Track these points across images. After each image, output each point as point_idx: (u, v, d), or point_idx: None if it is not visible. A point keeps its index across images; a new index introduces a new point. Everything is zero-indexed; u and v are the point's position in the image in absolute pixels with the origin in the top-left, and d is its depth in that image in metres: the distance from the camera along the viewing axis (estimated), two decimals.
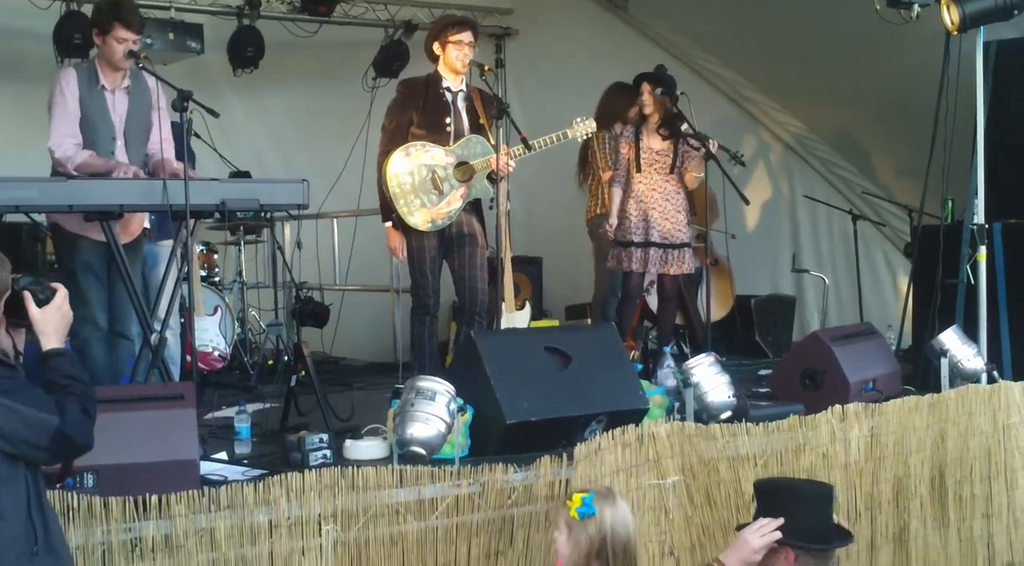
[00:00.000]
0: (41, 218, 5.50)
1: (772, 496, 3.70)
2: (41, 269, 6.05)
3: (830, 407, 5.11)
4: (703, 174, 6.68)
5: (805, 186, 9.08)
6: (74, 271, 5.14)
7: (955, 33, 6.26)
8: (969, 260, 6.37)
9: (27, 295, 2.97)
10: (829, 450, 5.05)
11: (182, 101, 4.90)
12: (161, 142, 5.24)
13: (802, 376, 5.75)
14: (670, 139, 6.65)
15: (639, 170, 6.65)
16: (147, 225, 5.44)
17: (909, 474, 5.34)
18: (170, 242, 5.50)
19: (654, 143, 6.68)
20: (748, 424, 4.88)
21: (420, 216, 5.79)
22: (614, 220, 6.71)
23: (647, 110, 6.67)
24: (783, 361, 6.28)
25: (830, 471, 5.04)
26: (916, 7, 6.29)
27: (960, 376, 5.90)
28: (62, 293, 3.03)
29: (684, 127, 6.54)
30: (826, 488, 3.93)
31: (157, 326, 5.01)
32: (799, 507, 3.62)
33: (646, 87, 6.68)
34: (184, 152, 5.05)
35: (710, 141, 6.50)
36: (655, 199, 6.62)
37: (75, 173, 5.06)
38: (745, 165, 6.84)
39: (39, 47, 7.73)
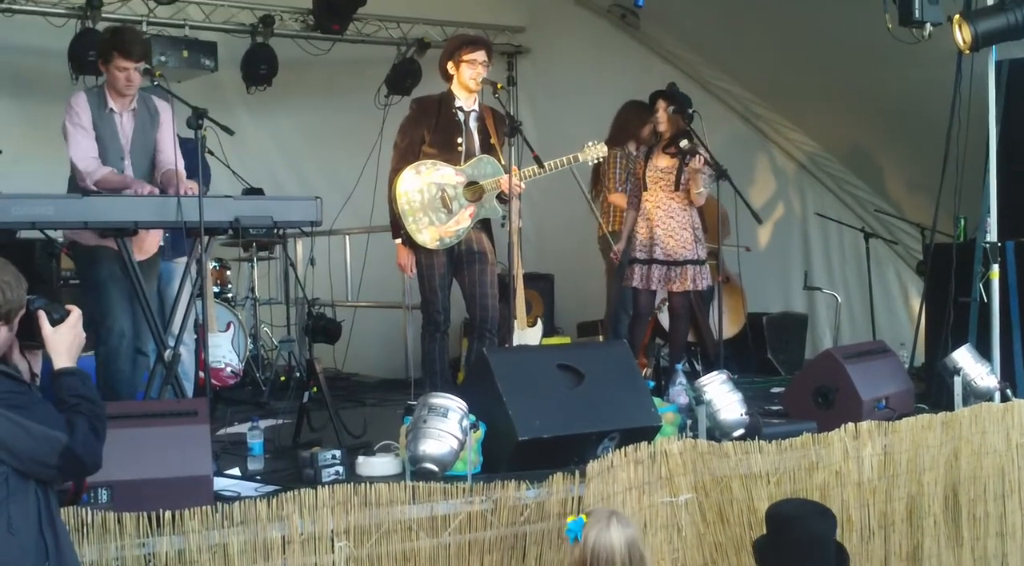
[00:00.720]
0: (56, 234, 5.54)
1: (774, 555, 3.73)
2: (55, 285, 6.07)
3: (843, 425, 5.10)
4: (705, 189, 6.65)
5: (817, 204, 9.08)
6: (98, 283, 5.18)
7: (967, 52, 6.27)
8: (982, 278, 6.37)
9: (41, 314, 3.00)
10: (842, 468, 5.03)
11: (197, 118, 4.94)
12: (177, 160, 5.29)
13: (814, 394, 5.75)
14: (676, 157, 6.68)
15: (645, 188, 6.68)
16: (161, 243, 5.47)
17: (923, 492, 5.32)
18: (184, 259, 5.53)
19: (660, 161, 6.72)
20: (761, 442, 4.87)
21: (428, 234, 5.81)
22: (623, 244, 6.72)
23: (661, 127, 6.69)
24: (795, 379, 6.27)
25: (843, 489, 5.03)
26: (928, 26, 6.29)
27: (973, 394, 5.89)
28: (76, 314, 3.06)
29: (683, 143, 6.55)
30: (824, 528, 3.84)
31: (172, 342, 5.03)
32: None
33: (661, 104, 6.70)
34: (199, 168, 5.07)
35: (698, 157, 6.50)
36: (659, 216, 6.65)
37: (93, 187, 5.10)
38: (727, 178, 6.80)
39: (55, 64, 7.79)
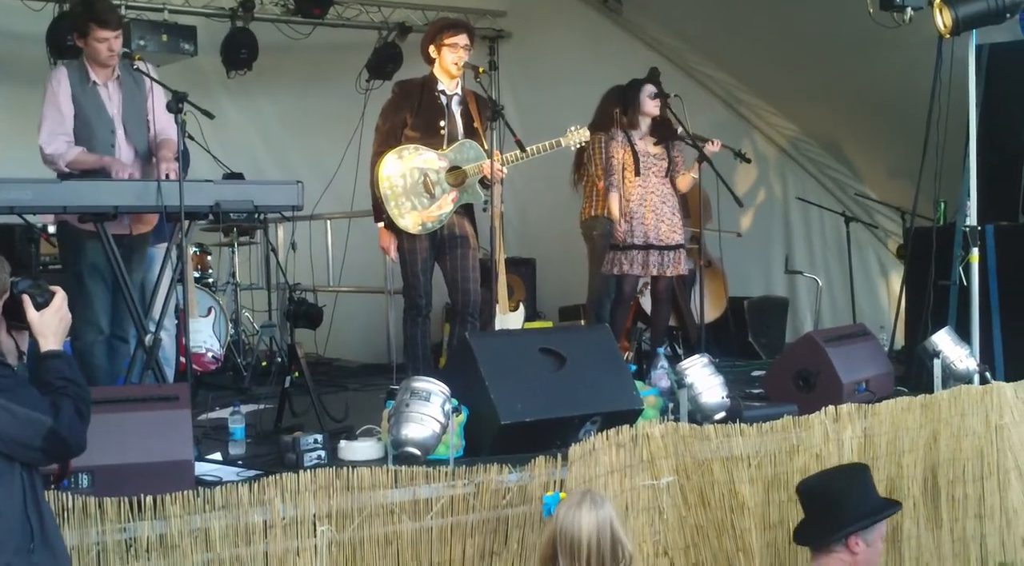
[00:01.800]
0: (36, 219, 5.50)
1: (815, 501, 4.04)
2: (34, 271, 6.04)
3: (823, 408, 5.13)
4: (696, 175, 6.70)
5: (798, 188, 9.11)
6: (80, 273, 5.13)
7: (948, 36, 6.28)
8: (962, 262, 6.39)
9: (26, 298, 3.00)
10: (823, 451, 5.06)
11: (177, 103, 4.90)
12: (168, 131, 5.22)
13: (795, 377, 5.77)
14: (661, 143, 6.70)
15: (638, 174, 6.67)
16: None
17: (902, 474, 5.36)
18: (165, 244, 5.49)
19: (650, 147, 6.73)
20: (742, 425, 4.89)
21: (410, 219, 5.80)
22: (623, 223, 6.71)
23: (655, 112, 6.72)
24: (776, 362, 6.30)
25: None
26: (909, 10, 6.30)
27: (953, 377, 5.92)
28: (60, 296, 3.06)
29: (680, 130, 6.58)
30: (860, 469, 4.26)
31: (152, 327, 5.00)
32: (846, 499, 3.93)
33: (650, 89, 6.72)
34: (180, 156, 5.04)
35: (711, 141, 6.58)
36: (654, 202, 6.66)
37: (66, 169, 5.05)
38: (751, 161, 6.86)
39: (32, 48, 7.72)
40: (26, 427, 2.84)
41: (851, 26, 6.95)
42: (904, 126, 7.30)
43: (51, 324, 3.02)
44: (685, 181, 6.77)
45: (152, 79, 5.21)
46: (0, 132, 7.36)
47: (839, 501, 3.98)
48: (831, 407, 5.14)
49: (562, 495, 3.56)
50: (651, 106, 6.74)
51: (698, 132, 6.76)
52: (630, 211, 6.66)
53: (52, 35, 7.63)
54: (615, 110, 6.95)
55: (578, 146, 6.22)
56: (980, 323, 6.32)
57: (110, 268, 5.03)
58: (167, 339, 5.83)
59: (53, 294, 3.05)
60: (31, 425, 2.84)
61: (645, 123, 6.77)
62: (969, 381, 5.95)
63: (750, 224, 9.02)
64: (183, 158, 5.04)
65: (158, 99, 5.29)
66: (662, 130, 6.76)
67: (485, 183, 5.87)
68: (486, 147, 5.85)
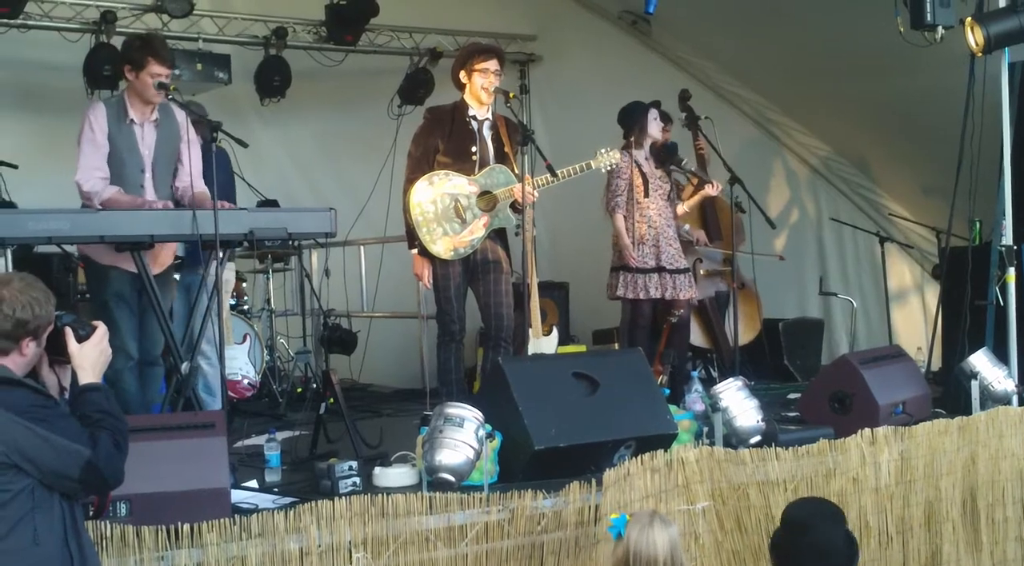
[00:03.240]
0: (72, 249, 5.56)
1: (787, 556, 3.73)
2: (72, 300, 6.11)
3: (860, 431, 5.09)
4: (688, 210, 6.93)
5: (831, 208, 9.06)
6: (106, 301, 5.19)
7: (979, 54, 6.25)
8: (998, 281, 6.34)
9: (68, 331, 3.08)
10: (859, 474, 5.02)
11: (212, 132, 4.96)
12: (195, 174, 5.30)
13: (831, 399, 5.74)
14: (661, 167, 6.80)
15: (647, 195, 6.70)
16: (180, 255, 5.47)
17: (940, 497, 5.31)
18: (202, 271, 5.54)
19: (655, 169, 6.78)
20: (777, 449, 4.86)
21: (442, 244, 5.82)
22: (630, 245, 6.71)
23: (658, 136, 6.77)
24: (812, 385, 6.26)
25: (860, 495, 5.01)
26: (940, 29, 6.28)
27: (991, 398, 5.86)
28: (102, 330, 3.14)
29: (684, 162, 6.69)
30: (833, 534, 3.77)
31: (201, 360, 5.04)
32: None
33: (654, 113, 6.79)
34: (212, 179, 5.08)
35: (712, 184, 6.67)
36: (661, 225, 6.72)
37: (100, 207, 5.10)
38: (745, 211, 6.91)
39: (69, 79, 7.83)
40: (64, 458, 2.89)
41: (882, 45, 6.92)
42: (937, 145, 7.26)
43: (91, 357, 3.10)
44: (680, 209, 6.96)
45: (186, 109, 5.26)
46: (37, 161, 7.43)
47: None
48: (867, 430, 5.10)
49: (628, 516, 3.58)
50: (655, 129, 6.78)
51: (728, 153, 6.76)
52: (644, 232, 6.68)
53: (89, 66, 7.74)
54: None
55: (608, 168, 6.23)
56: (1018, 343, 6.25)
57: (135, 296, 5.11)
58: (210, 368, 5.86)
59: (94, 328, 3.13)
60: (69, 456, 2.89)
61: (646, 144, 6.81)
62: (1007, 402, 5.88)
63: (783, 245, 8.97)
64: (228, 189, 5.08)
65: (193, 146, 5.35)
66: (661, 155, 6.81)
67: (516, 207, 5.89)
68: (517, 171, 5.87)
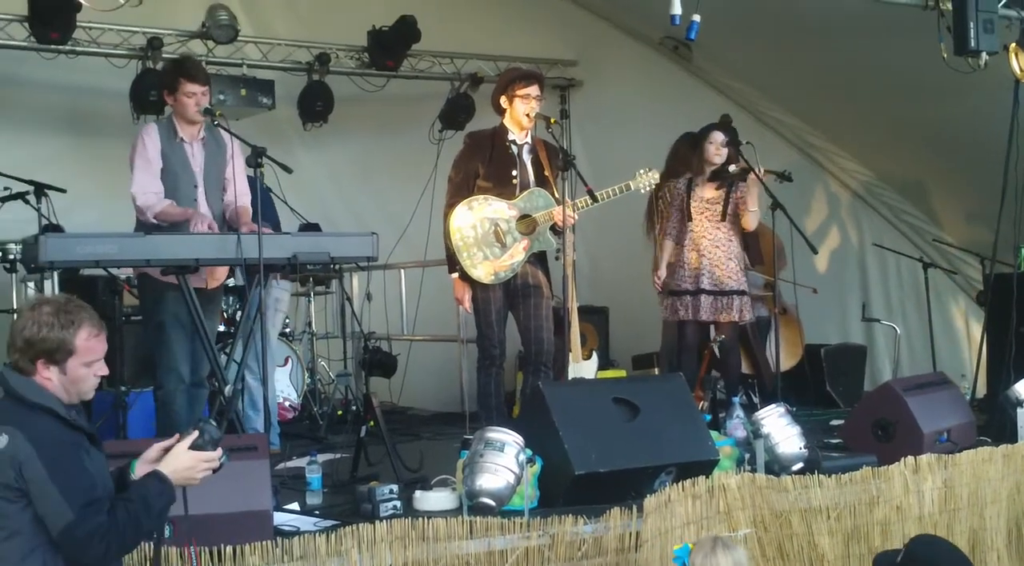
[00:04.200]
0: (118, 272, 5.62)
1: None
2: (117, 323, 6.16)
3: (903, 458, 5.04)
4: (757, 209, 6.67)
5: (874, 234, 9.00)
6: (162, 322, 5.25)
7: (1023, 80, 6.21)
8: None
9: (196, 432, 3.07)
10: (903, 502, 4.97)
11: (256, 157, 5.02)
12: (238, 192, 5.37)
13: (874, 426, 5.69)
14: (722, 188, 6.72)
15: (690, 219, 6.68)
16: (241, 282, 5.53)
17: (985, 526, 5.24)
18: (272, 291, 5.57)
19: (706, 192, 6.75)
20: (820, 476, 4.83)
21: (483, 269, 5.84)
22: (662, 272, 6.72)
23: (717, 159, 6.71)
24: (855, 411, 6.21)
25: (904, 523, 4.96)
26: (984, 55, 6.24)
27: None
28: (211, 456, 3.10)
29: (731, 168, 6.60)
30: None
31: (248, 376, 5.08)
32: None
33: (717, 137, 6.73)
34: (258, 206, 5.15)
35: (756, 169, 6.57)
36: (705, 246, 6.67)
37: (154, 220, 5.19)
38: (792, 180, 6.81)
39: (117, 105, 7.95)
40: (49, 510, 2.87)
41: (925, 69, 6.88)
42: (981, 171, 7.21)
43: (185, 464, 3.06)
44: (747, 220, 6.74)
45: (231, 133, 5.34)
46: (84, 185, 7.52)
47: None
48: (911, 457, 5.06)
49: (691, 545, 3.57)
50: (713, 153, 6.74)
51: (770, 178, 6.73)
52: (684, 256, 6.65)
53: (136, 91, 7.85)
54: (690, 155, 6.97)
55: (648, 189, 6.23)
56: None
57: (190, 317, 5.14)
58: (253, 382, 5.91)
59: (215, 448, 3.10)
60: (54, 511, 2.86)
61: (707, 170, 6.79)
62: None
63: (825, 271, 8.92)
64: (271, 215, 5.12)
65: (238, 163, 5.44)
66: (718, 175, 6.77)
67: (556, 230, 5.90)
68: (557, 195, 5.88)
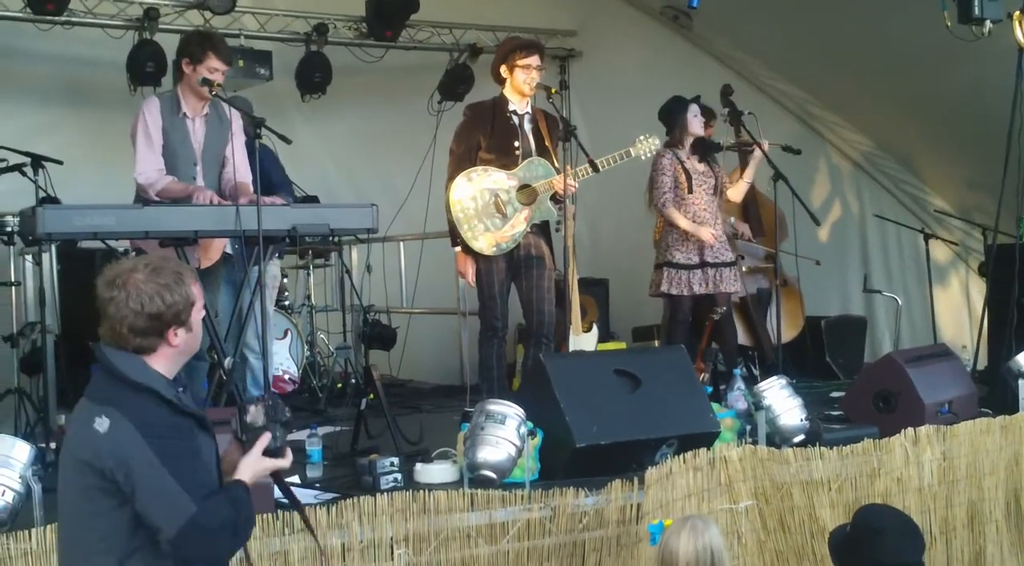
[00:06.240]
0: (115, 243, 5.59)
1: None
2: None
3: (903, 430, 5.04)
4: (751, 181, 6.67)
5: (875, 205, 8.97)
6: None
7: None
8: None
9: (267, 436, 2.82)
10: (903, 474, 4.97)
11: (255, 128, 4.99)
12: (238, 169, 5.34)
13: (875, 398, 5.67)
14: (703, 161, 6.76)
15: (691, 192, 6.64)
16: (228, 251, 5.50)
17: (984, 498, 5.25)
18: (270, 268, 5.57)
19: (698, 165, 6.72)
20: (821, 448, 4.82)
21: (484, 240, 5.81)
22: (693, 226, 6.61)
23: (699, 132, 6.71)
24: (856, 383, 6.19)
25: (904, 495, 4.97)
26: (988, 23, 6.20)
27: None
28: (277, 463, 2.87)
29: (722, 144, 6.65)
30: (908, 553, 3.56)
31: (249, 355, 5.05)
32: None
33: (695, 108, 6.74)
34: (257, 179, 5.12)
35: (760, 143, 6.57)
36: (706, 219, 6.64)
37: (157, 198, 5.16)
38: (800, 153, 6.82)
39: (112, 75, 7.89)
40: (165, 507, 2.56)
41: (927, 39, 6.85)
42: (983, 141, 7.17)
43: (256, 470, 2.80)
44: (739, 189, 6.77)
45: (229, 104, 5.30)
46: (81, 157, 7.47)
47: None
48: (910, 429, 5.05)
49: (667, 523, 3.56)
50: (696, 125, 6.72)
51: (771, 149, 6.70)
52: (683, 230, 6.64)
53: (132, 62, 7.80)
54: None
55: (648, 155, 6.19)
56: None
57: None
58: (254, 360, 5.90)
59: (283, 456, 2.87)
60: (172, 506, 2.55)
61: (688, 142, 6.75)
62: None
63: (826, 242, 8.90)
64: (284, 185, 5.07)
65: (238, 140, 5.40)
66: (702, 148, 6.75)
67: (557, 199, 5.87)
68: (557, 165, 5.84)
